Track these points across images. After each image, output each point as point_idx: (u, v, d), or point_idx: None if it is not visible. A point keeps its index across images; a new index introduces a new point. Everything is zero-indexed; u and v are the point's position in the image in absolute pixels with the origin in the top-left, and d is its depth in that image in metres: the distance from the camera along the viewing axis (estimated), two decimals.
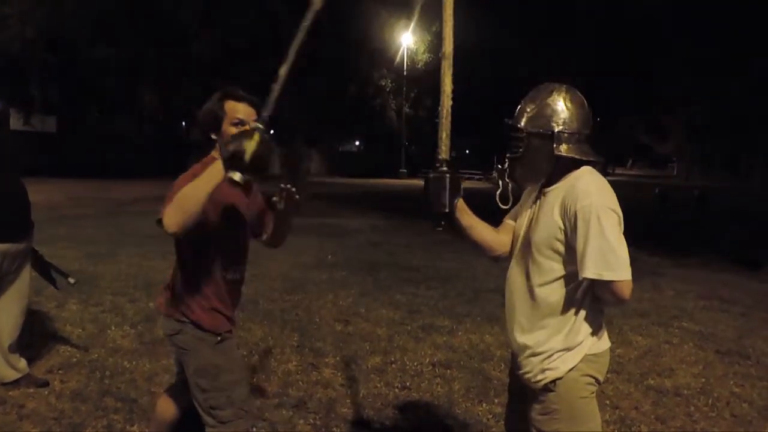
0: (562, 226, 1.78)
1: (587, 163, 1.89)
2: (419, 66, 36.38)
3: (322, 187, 22.33)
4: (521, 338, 1.90)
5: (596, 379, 1.86)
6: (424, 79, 34.63)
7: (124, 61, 19.21)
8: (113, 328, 4.64)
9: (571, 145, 1.84)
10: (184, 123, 37.52)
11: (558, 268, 1.82)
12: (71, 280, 3.67)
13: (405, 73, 36.87)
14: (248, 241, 2.38)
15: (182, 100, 27.77)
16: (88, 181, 20.61)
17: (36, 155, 20.48)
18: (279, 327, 4.91)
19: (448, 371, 4.08)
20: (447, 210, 1.94)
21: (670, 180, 47.15)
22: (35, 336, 4.16)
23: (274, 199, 2.21)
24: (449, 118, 2.10)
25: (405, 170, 38.48)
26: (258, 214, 2.40)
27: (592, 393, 1.86)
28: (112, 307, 5.22)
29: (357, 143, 52.05)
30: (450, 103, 2.11)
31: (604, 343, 1.89)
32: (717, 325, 5.58)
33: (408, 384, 3.84)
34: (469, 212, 2.04)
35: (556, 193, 1.84)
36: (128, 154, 29.05)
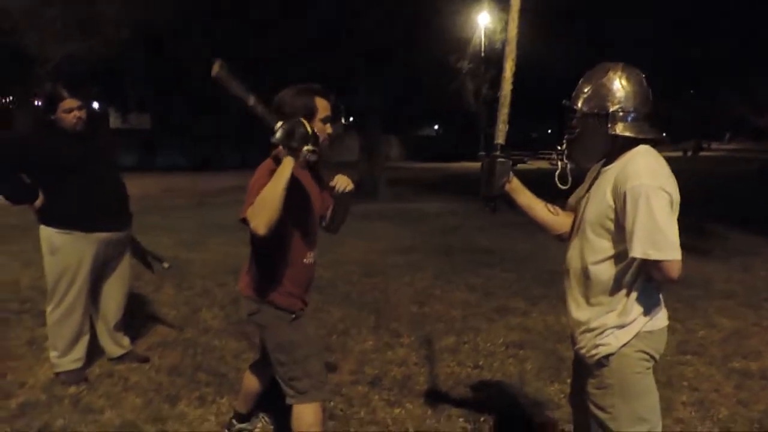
0: (613, 205, 1.81)
1: (646, 141, 1.90)
2: (497, 46, 35.68)
3: (401, 172, 22.52)
4: (576, 314, 1.95)
5: (651, 356, 1.88)
6: (503, 59, 33.93)
7: (207, 57, 20.06)
8: (204, 310, 5.00)
9: (626, 124, 1.86)
10: None
11: (609, 247, 1.85)
12: (165, 265, 4.02)
13: (483, 54, 36.31)
14: (317, 227, 2.54)
15: (265, 92, 28.73)
16: (180, 174, 21.83)
17: (134, 151, 21.89)
18: (356, 309, 5.11)
19: (521, 351, 4.13)
20: (495, 193, 2.06)
21: None
22: (136, 317, 4.54)
23: (332, 184, 2.36)
24: (508, 104, 2.18)
25: (483, 153, 37.83)
26: (327, 203, 2.55)
27: (647, 369, 1.88)
28: (202, 291, 5.61)
29: (435, 127, 51.90)
30: (510, 88, 2.19)
31: (660, 321, 1.90)
32: None
33: (480, 363, 3.92)
34: (526, 192, 2.12)
35: (611, 172, 1.87)
36: (215, 148, 30.45)
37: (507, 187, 2.11)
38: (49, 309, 3.53)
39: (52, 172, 3.38)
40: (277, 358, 2.41)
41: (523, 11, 2.24)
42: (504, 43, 2.27)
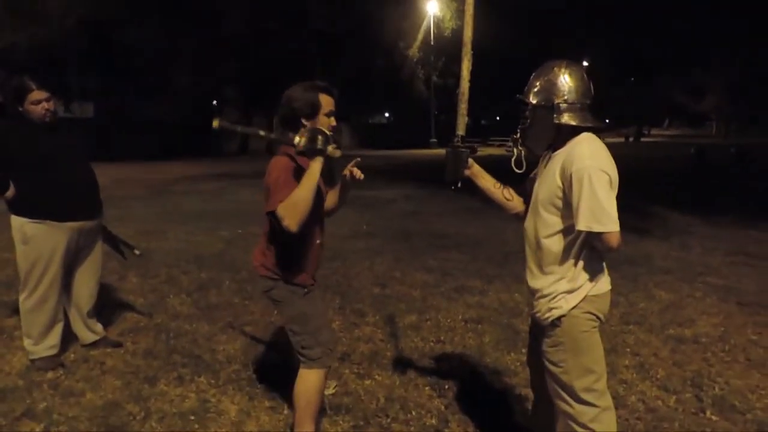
0: (561, 186, 2.07)
1: (589, 129, 2.16)
2: (446, 34, 36.04)
3: (351, 160, 22.57)
4: (532, 282, 2.22)
5: (597, 316, 2.15)
6: (452, 47, 34.33)
7: (156, 44, 19.72)
8: (171, 296, 5.09)
9: (570, 114, 2.12)
10: (215, 102, 38.15)
11: (558, 222, 2.11)
12: (137, 252, 4.11)
13: (432, 42, 36.64)
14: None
15: (214, 81, 28.30)
16: (128, 164, 21.37)
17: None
18: (321, 291, 5.24)
19: (479, 326, 4.41)
20: (458, 178, 2.39)
21: (707, 139, 45.99)
22: (105, 305, 4.59)
23: (345, 173, 2.66)
24: (466, 100, 2.50)
25: (435, 140, 38.28)
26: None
27: (594, 328, 2.15)
28: (167, 278, 5.68)
29: (387, 115, 52.13)
30: (467, 85, 2.53)
31: (604, 285, 2.17)
32: (741, 280, 5.77)
33: (442, 338, 4.18)
34: (486, 177, 2.42)
35: (559, 157, 2.13)
36: (164, 136, 29.82)
37: (468, 172, 2.41)
38: (22, 297, 3.58)
39: (22, 164, 3.43)
40: (292, 328, 2.64)
41: (476, 14, 2.52)
42: (461, 45, 2.56)
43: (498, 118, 48.40)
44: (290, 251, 2.58)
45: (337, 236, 7.76)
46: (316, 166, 2.37)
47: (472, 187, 2.48)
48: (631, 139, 54.58)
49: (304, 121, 2.52)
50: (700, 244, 7.58)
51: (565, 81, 2.14)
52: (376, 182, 15.49)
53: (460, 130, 2.45)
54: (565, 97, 2.13)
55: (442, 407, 3.18)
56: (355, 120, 40.99)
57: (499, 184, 2.44)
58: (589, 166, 2.00)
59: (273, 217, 2.35)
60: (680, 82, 48.16)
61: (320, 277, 5.81)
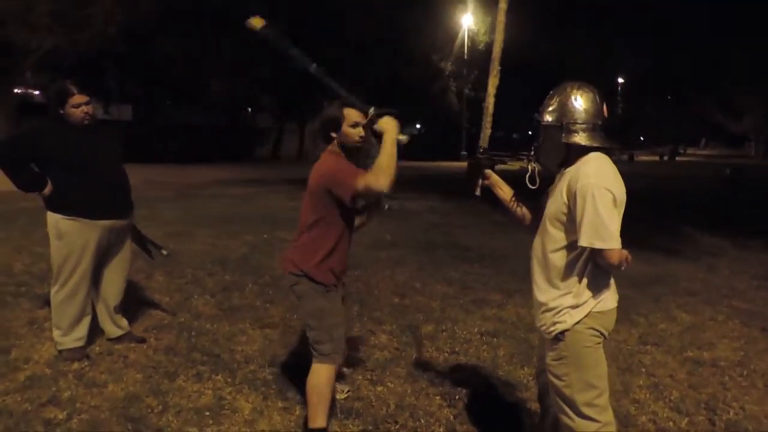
0: (567, 202, 2.13)
1: (599, 149, 2.21)
2: (480, 47, 36.08)
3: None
4: (538, 296, 2.27)
5: (600, 332, 2.18)
6: (485, 60, 34.27)
7: (191, 52, 20.23)
8: (196, 297, 5.23)
9: (578, 134, 2.18)
10: (249, 109, 38.77)
11: (563, 238, 2.17)
12: (164, 252, 4.26)
13: (466, 56, 36.72)
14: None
15: (248, 87, 28.80)
16: (162, 166, 21.86)
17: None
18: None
19: (495, 339, 4.44)
20: (476, 190, 2.54)
21: (745, 160, 45.00)
22: (131, 302, 4.73)
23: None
24: (491, 114, 2.65)
25: (465, 152, 38.26)
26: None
27: (597, 343, 2.19)
28: (193, 279, 5.83)
29: (418, 126, 52.25)
30: (492, 101, 2.67)
31: (609, 303, 2.20)
32: (767, 305, 5.68)
33: (457, 349, 4.22)
34: (504, 188, 2.55)
35: (567, 174, 2.19)
36: (197, 141, 30.40)
37: (486, 182, 2.54)
38: (54, 290, 3.75)
39: (60, 164, 3.60)
40: (308, 323, 2.81)
41: (506, 32, 2.65)
42: (490, 60, 2.70)
43: (530, 132, 48.21)
44: (321, 250, 2.74)
45: (361, 245, 7.84)
46: (393, 132, 2.64)
47: (493, 199, 2.63)
48: (665, 158, 53.70)
49: (332, 134, 2.77)
50: (728, 266, 7.47)
51: (576, 102, 2.20)
52: (403, 193, 15.57)
53: (483, 143, 2.63)
54: (575, 118, 2.19)
55: (451, 417, 3.23)
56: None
57: (514, 198, 2.53)
58: (593, 184, 2.05)
59: (354, 198, 2.61)
60: (718, 102, 47.33)
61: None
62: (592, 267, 2.15)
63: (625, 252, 2.10)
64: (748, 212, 13.77)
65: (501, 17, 2.67)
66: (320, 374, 2.77)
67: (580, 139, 2.18)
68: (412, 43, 29.46)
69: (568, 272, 2.17)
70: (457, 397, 3.44)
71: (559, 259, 2.18)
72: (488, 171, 2.55)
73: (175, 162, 24.39)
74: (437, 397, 3.45)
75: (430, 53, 34.20)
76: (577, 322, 2.15)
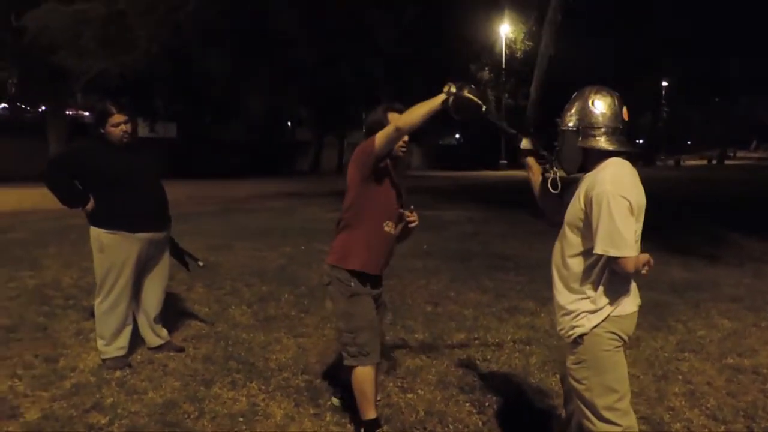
0: (584, 208, 2.14)
1: (620, 154, 2.21)
2: (518, 55, 35.85)
3: (421, 180, 22.86)
4: (558, 300, 2.28)
5: (620, 336, 2.18)
6: (523, 68, 34.08)
7: (231, 69, 20.77)
8: (233, 307, 5.37)
9: (594, 138, 2.19)
10: (289, 123, 39.42)
11: (581, 243, 2.18)
12: (200, 263, 4.41)
13: (503, 66, 36.53)
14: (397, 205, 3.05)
15: (287, 102, 29.34)
16: (205, 181, 22.43)
17: (160, 159, 22.45)
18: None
19: (527, 347, 4.42)
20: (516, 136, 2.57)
21: None
22: (171, 313, 4.90)
23: (407, 213, 2.99)
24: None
25: (505, 161, 38.00)
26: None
27: (616, 348, 2.18)
28: (231, 290, 5.99)
29: (457, 136, 52.15)
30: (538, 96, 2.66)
31: (629, 307, 2.20)
32: None
33: (488, 357, 4.22)
34: (536, 174, 2.54)
35: (587, 180, 2.20)
36: (239, 156, 31.12)
37: (527, 159, 2.58)
38: (97, 301, 3.93)
39: (101, 180, 3.80)
40: (338, 324, 3.01)
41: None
42: (533, 67, 2.73)
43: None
44: (354, 235, 2.91)
45: (396, 255, 7.84)
46: (439, 97, 2.57)
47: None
48: (714, 162, 52.12)
49: None
50: None
51: (592, 106, 2.21)
52: (441, 203, 15.59)
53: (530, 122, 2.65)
54: (591, 122, 2.20)
55: (480, 423, 3.24)
56: (425, 141, 41.26)
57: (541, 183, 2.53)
58: (608, 191, 2.06)
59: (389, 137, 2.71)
60: (766, 102, 45.71)
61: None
62: (610, 272, 2.15)
63: (645, 257, 2.09)
64: None
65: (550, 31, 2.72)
66: (356, 375, 2.91)
67: (596, 143, 2.19)
68: (449, 54, 29.51)
69: (585, 277, 2.18)
70: (487, 404, 3.45)
71: (577, 264, 2.20)
72: (529, 158, 2.59)
73: (217, 177, 24.97)
74: (467, 404, 3.46)
75: (468, 63, 34.16)
76: (595, 326, 2.16)
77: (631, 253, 2.03)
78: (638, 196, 2.11)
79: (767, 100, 44.31)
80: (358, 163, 2.85)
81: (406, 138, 2.87)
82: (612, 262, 2.09)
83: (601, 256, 2.10)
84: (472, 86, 2.55)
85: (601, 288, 2.16)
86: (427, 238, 9.63)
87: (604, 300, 2.16)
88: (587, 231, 2.13)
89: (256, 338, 4.54)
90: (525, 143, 2.59)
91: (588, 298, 2.18)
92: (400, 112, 2.85)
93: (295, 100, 30.03)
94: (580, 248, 2.18)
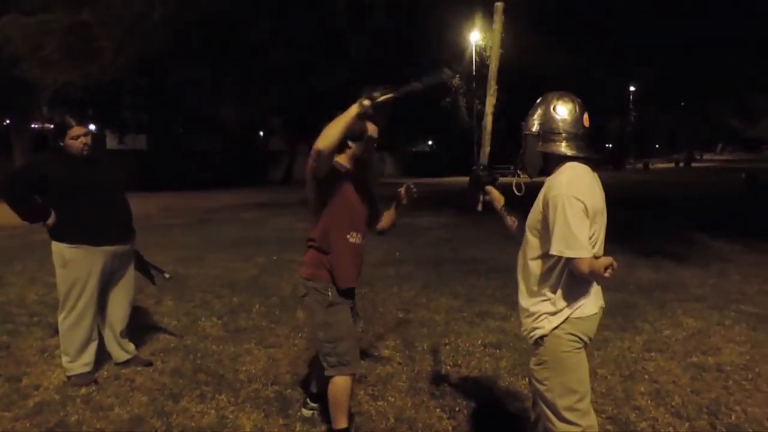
0: (542, 211, 2.18)
1: (577, 158, 2.25)
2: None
3: (394, 187, 22.81)
4: (521, 302, 2.33)
5: (579, 338, 2.21)
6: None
7: (202, 79, 20.65)
8: (203, 319, 5.31)
9: (552, 143, 2.23)
10: (261, 133, 39.19)
11: (540, 246, 2.22)
12: (167, 275, 4.35)
13: (474, 73, 36.88)
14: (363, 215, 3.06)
15: (260, 112, 29.20)
16: (177, 193, 22.18)
17: (131, 171, 22.18)
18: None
19: (497, 351, 4.45)
20: (477, 206, 2.69)
21: (763, 164, 44.43)
22: (139, 326, 4.84)
23: (399, 191, 3.04)
24: (489, 132, 2.78)
25: (476, 167, 38.26)
26: (373, 207, 3.12)
27: (576, 349, 2.21)
28: (201, 302, 5.92)
29: (429, 143, 52.43)
30: (491, 119, 2.78)
31: (588, 309, 2.23)
32: None
33: (459, 362, 4.24)
34: (500, 201, 2.63)
35: (545, 184, 2.24)
36: (212, 167, 30.86)
37: (488, 197, 2.67)
38: (61, 317, 3.85)
39: (62, 193, 3.72)
40: (317, 334, 2.96)
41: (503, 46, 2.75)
42: (486, 80, 2.79)
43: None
44: (321, 250, 2.91)
45: (368, 263, 7.84)
46: (352, 109, 2.58)
47: (493, 212, 2.76)
48: (681, 164, 53.23)
49: (350, 143, 2.91)
50: (739, 271, 7.40)
51: (554, 112, 2.26)
52: (414, 210, 15.60)
53: (483, 159, 2.77)
54: (552, 127, 2.24)
55: (450, 428, 3.25)
56: (398, 148, 41.40)
57: (504, 207, 2.64)
58: (563, 194, 2.10)
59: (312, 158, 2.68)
60: (733, 106, 46.84)
61: None
62: (569, 275, 2.18)
63: (607, 260, 2.12)
64: (764, 217, 13.60)
65: (496, 38, 2.78)
66: (333, 384, 2.90)
67: (556, 148, 2.24)
68: (420, 61, 29.69)
69: (545, 279, 2.22)
70: (457, 409, 3.46)
71: (537, 266, 2.24)
72: (488, 187, 2.67)
73: (190, 189, 24.73)
74: (437, 410, 3.47)
75: (440, 70, 34.40)
76: (555, 328, 2.19)
77: (584, 254, 2.07)
78: (594, 198, 2.15)
79: (734, 105, 45.36)
80: (306, 184, 2.88)
81: (374, 144, 2.93)
82: (568, 263, 2.12)
83: (560, 258, 2.14)
84: (377, 87, 2.63)
85: (560, 290, 2.20)
86: (400, 245, 9.66)
87: (564, 302, 2.19)
88: (546, 233, 2.17)
89: (226, 350, 4.50)
90: (482, 176, 2.72)
91: (548, 299, 2.21)
92: (374, 122, 2.90)
93: (267, 109, 29.90)
94: (540, 251, 2.22)
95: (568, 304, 2.19)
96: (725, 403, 3.53)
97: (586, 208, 2.10)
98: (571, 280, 2.19)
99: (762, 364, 4.15)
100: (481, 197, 2.69)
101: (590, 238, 2.11)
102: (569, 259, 2.08)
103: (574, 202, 2.09)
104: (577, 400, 2.19)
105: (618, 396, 3.64)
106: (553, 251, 2.10)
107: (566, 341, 2.19)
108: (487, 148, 2.78)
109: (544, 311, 2.21)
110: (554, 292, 2.20)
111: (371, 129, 2.93)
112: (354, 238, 2.95)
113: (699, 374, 4.00)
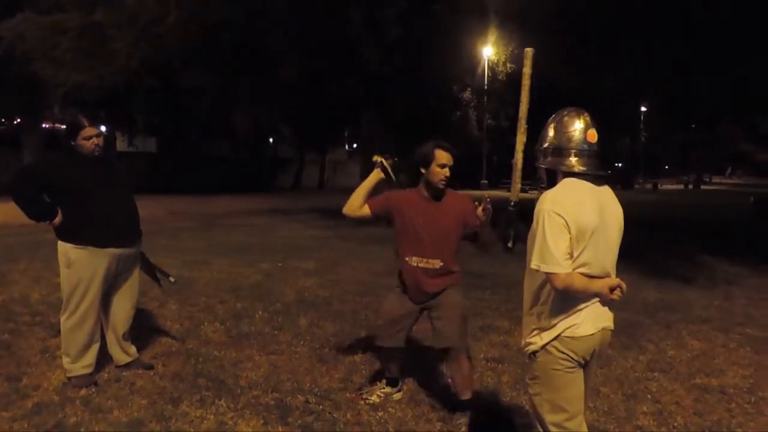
0: (535, 226, 2.17)
1: (575, 175, 2.22)
2: (500, 77, 36.24)
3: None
4: (523, 316, 2.31)
5: (571, 357, 2.18)
6: (506, 89, 34.47)
7: (214, 85, 20.75)
8: (206, 324, 5.31)
9: (550, 159, 2.24)
10: (271, 140, 39.37)
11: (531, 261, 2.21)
12: (172, 279, 4.36)
13: (486, 87, 36.92)
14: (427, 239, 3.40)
15: (270, 119, 29.33)
16: (185, 197, 22.26)
17: (139, 174, 22.36)
18: (349, 325, 5.42)
19: (500, 365, 4.42)
20: (508, 242, 2.73)
21: None
22: (142, 329, 4.85)
23: (478, 205, 3.22)
24: (520, 169, 2.81)
25: (486, 181, 38.32)
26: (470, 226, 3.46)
27: (568, 368, 2.19)
28: (205, 306, 5.93)
29: None
30: (521, 157, 2.79)
31: (584, 329, 2.18)
32: None
33: None
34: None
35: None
36: (221, 172, 31.00)
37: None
38: (63, 317, 3.85)
39: (71, 194, 3.74)
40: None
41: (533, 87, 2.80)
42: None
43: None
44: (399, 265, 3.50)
45: (372, 272, 7.90)
46: (374, 175, 3.44)
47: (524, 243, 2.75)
48: (690, 186, 53.01)
49: (421, 169, 3.34)
50: (745, 294, 7.34)
51: (553, 128, 2.26)
52: None
53: (514, 196, 2.81)
54: (548, 143, 2.25)
55: None
56: (408, 160, 41.44)
57: None
58: (545, 209, 2.10)
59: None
60: (744, 130, 46.61)
61: (350, 311, 5.99)
62: (557, 291, 2.16)
63: (614, 281, 2.12)
64: None
65: (526, 81, 2.81)
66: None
67: (547, 163, 2.26)
68: (431, 75, 29.79)
69: (538, 294, 2.24)
70: (458, 422, 3.43)
71: (532, 281, 2.26)
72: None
73: (198, 193, 24.82)
74: (438, 423, 3.45)
75: (450, 84, 34.49)
76: (547, 344, 2.19)
77: (557, 270, 2.05)
78: (579, 215, 2.09)
79: (746, 129, 45.12)
80: None
81: (446, 171, 3.31)
82: (547, 277, 2.12)
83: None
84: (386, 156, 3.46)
85: (549, 306, 2.20)
86: None
87: (554, 319, 2.18)
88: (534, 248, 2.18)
89: (228, 355, 4.49)
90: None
91: (540, 315, 2.23)
92: (448, 150, 3.29)
93: (278, 117, 30.06)
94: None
95: (559, 321, 2.17)
96: (727, 426, 3.50)
97: (567, 224, 2.08)
98: (560, 296, 2.16)
99: (765, 388, 4.11)
100: (512, 234, 2.75)
101: (572, 255, 2.08)
102: (546, 274, 2.09)
103: (554, 217, 2.08)
104: (566, 419, 2.17)
105: (620, 415, 3.60)
106: (532, 265, 2.13)
107: (558, 359, 2.18)
108: (518, 185, 2.84)
109: (536, 326, 2.24)
110: (545, 307, 2.22)
111: (445, 157, 3.29)
112: (414, 261, 3.39)
113: (702, 396, 3.95)
